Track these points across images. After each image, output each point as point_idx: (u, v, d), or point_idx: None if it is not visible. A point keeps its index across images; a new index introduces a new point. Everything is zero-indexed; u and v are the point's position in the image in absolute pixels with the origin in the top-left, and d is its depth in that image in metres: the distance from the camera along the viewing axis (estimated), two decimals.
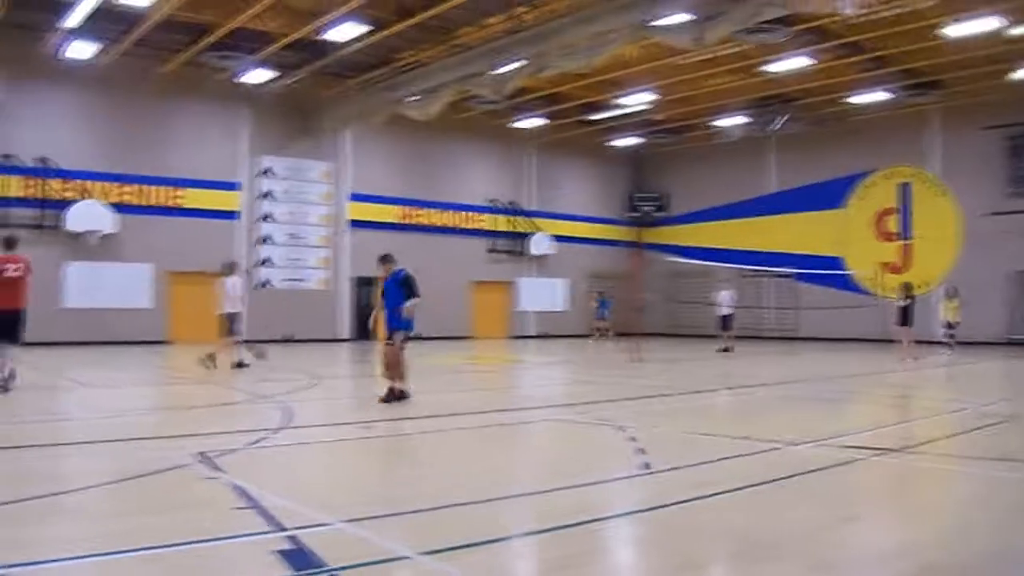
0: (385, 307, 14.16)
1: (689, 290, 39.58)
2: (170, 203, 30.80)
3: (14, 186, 28.05)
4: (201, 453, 8.71)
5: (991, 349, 31.11)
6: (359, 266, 34.58)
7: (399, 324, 13.98)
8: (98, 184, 29.33)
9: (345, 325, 34.54)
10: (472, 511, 6.74)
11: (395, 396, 13.48)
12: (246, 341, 21.15)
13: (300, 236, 33.73)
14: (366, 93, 31.15)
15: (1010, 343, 32.43)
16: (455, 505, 6.85)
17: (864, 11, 21.84)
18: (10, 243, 15.03)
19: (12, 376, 14.66)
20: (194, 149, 31.38)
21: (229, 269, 20.51)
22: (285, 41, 26.70)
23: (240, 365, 19.93)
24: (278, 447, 9.78)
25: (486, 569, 5.31)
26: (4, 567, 5.06)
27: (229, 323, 20.16)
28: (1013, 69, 29.54)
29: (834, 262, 37.85)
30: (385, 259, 14.48)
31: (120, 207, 29.47)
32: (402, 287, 13.94)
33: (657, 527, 6.57)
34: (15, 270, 14.64)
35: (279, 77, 29.78)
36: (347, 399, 16.78)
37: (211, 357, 19.97)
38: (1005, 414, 13.36)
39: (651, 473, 8.29)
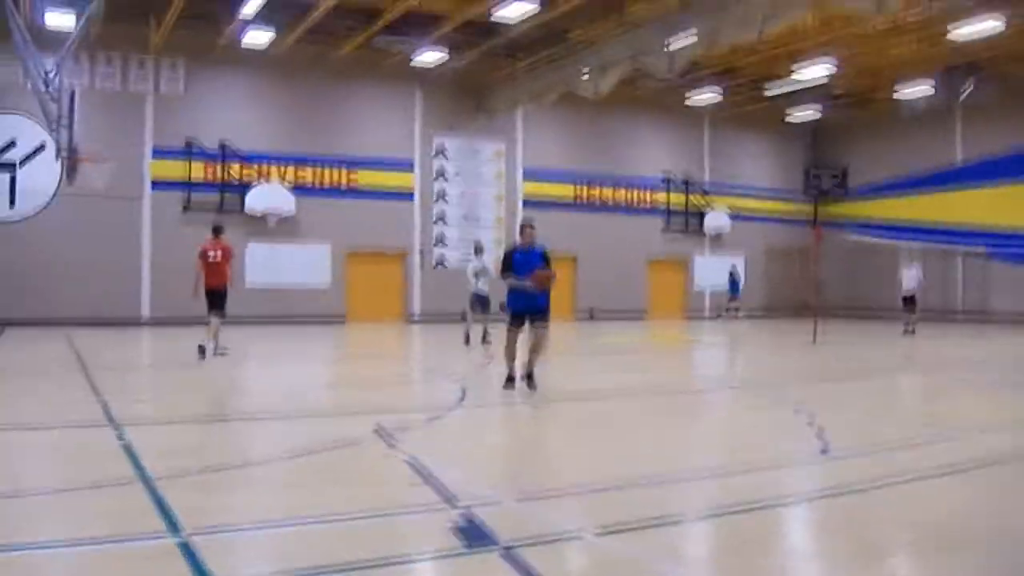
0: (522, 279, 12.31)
1: (870, 267, 38.44)
2: (346, 184, 31.49)
3: (197, 170, 29.25)
4: (379, 429, 8.88)
5: None
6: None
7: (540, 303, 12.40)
8: (276, 167, 30.26)
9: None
10: (647, 491, 6.69)
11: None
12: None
13: (474, 215, 34.07)
14: (537, 72, 31.18)
15: None
16: (630, 485, 6.80)
17: None
18: (217, 231, 17.60)
19: (219, 349, 17.08)
20: (368, 131, 31.98)
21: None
22: (455, 22, 26.92)
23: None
24: (453, 423, 9.91)
25: (660, 549, 5.26)
26: (200, 531, 5.27)
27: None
28: None
29: None
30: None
31: (297, 189, 30.32)
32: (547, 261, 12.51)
33: (833, 513, 6.41)
34: (215, 255, 17.11)
35: (450, 58, 30.05)
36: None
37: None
38: None
39: (830, 458, 8.09)
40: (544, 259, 12.43)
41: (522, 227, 12.92)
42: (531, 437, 9.75)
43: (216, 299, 17.19)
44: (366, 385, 13.99)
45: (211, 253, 17.17)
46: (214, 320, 17.14)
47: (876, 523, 6.02)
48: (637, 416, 10.78)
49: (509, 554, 4.95)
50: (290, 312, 29.62)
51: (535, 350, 12.30)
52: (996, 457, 8.06)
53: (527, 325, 12.27)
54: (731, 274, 36.83)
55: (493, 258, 24.74)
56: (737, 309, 36.23)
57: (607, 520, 5.66)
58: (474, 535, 5.26)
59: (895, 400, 13.28)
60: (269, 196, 29.51)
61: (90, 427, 9.20)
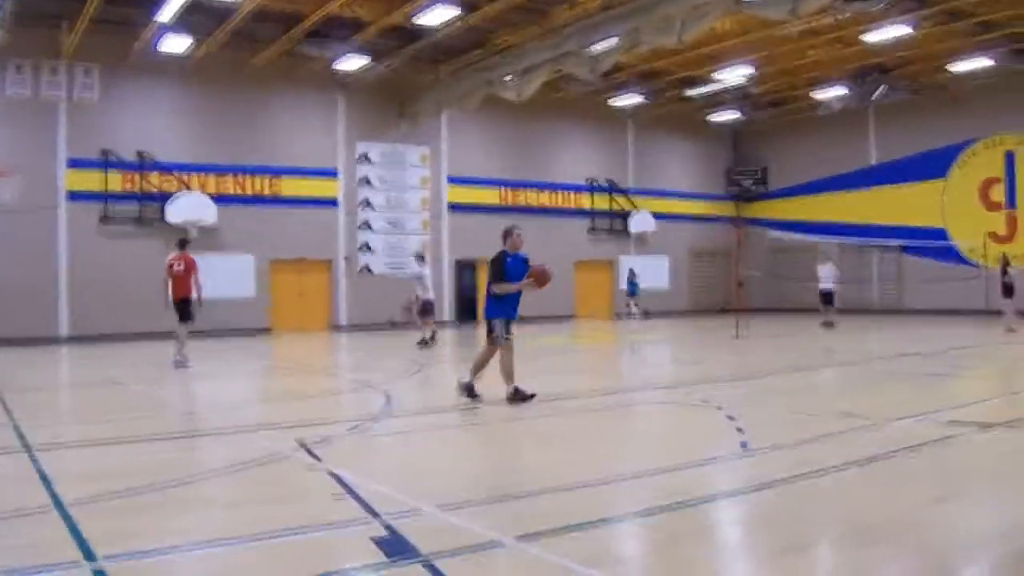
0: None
1: (791, 265, 39.08)
2: (268, 192, 31.18)
3: (114, 181, 28.50)
4: (302, 442, 8.86)
5: None
6: (459, 249, 34.80)
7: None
8: (196, 176, 29.76)
9: (446, 309, 34.66)
10: (571, 495, 6.75)
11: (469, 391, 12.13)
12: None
13: (399, 221, 33.97)
14: (460, 76, 31.23)
15: None
16: (554, 490, 6.86)
17: None
18: (181, 244, 18.96)
19: (180, 360, 17.96)
20: (291, 138, 31.73)
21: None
22: (377, 27, 26.86)
23: None
24: (377, 435, 9.91)
25: (583, 552, 5.30)
26: (116, 557, 5.22)
27: None
28: None
29: (938, 233, 37.03)
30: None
31: (219, 198, 29.82)
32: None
33: (756, 509, 6.54)
34: (178, 266, 18.24)
35: (373, 63, 29.96)
36: (448, 385, 16.85)
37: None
38: None
39: (749, 453, 8.24)
40: (527, 264, 12.33)
41: (511, 232, 12.64)
42: (455, 445, 9.77)
43: (182, 309, 18.24)
44: (290, 398, 13.90)
45: (175, 265, 18.25)
46: (180, 329, 18.24)
47: (796, 517, 6.15)
48: (563, 420, 10.85)
49: (431, 565, 4.99)
50: (213, 324, 29.24)
51: (505, 370, 12.04)
52: (910, 447, 8.25)
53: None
54: (630, 276, 37.24)
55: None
56: (637, 305, 36.59)
57: (531, 526, 5.70)
58: (396, 547, 5.29)
59: (814, 394, 13.50)
60: (189, 206, 28.96)
61: (1, 454, 9.01)
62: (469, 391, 12.02)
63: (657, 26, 24.50)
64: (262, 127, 31.07)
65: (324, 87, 31.75)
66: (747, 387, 13.84)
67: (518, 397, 11.65)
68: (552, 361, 20.02)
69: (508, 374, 11.89)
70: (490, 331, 12.10)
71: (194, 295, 18.34)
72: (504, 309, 12.07)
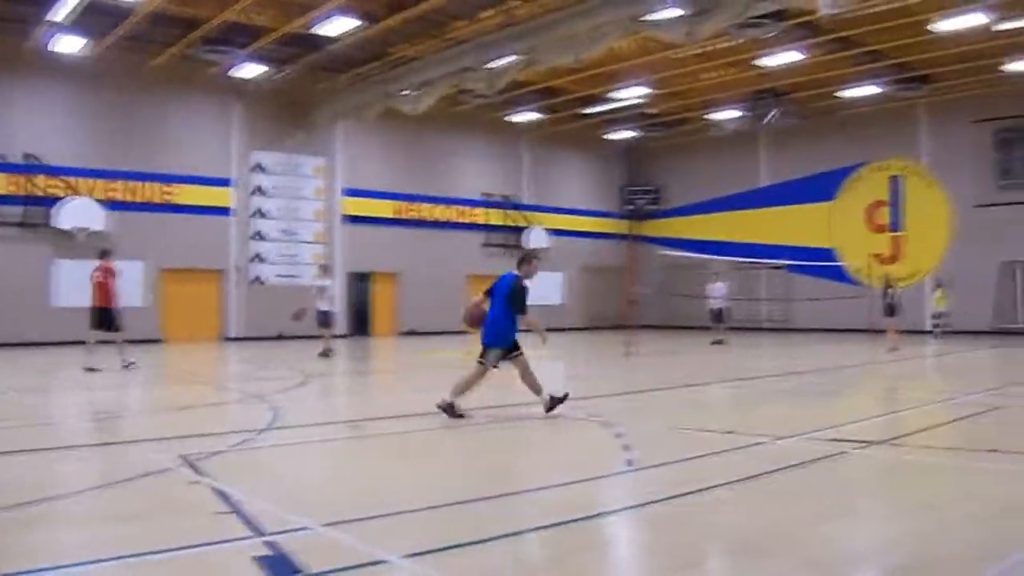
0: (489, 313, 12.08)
1: (684, 282, 39.58)
2: (161, 200, 30.59)
3: (0, 183, 27.73)
4: (185, 456, 8.70)
5: (980, 338, 31.29)
6: (354, 261, 34.56)
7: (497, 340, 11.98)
8: (87, 181, 29.01)
9: (340, 321, 34.22)
10: (458, 511, 6.74)
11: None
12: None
13: (293, 232, 33.59)
14: (359, 87, 31.10)
15: (997, 332, 32.65)
16: (441, 506, 6.83)
17: (853, 7, 21.72)
18: (102, 254, 19.67)
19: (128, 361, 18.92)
20: (185, 145, 31.22)
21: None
22: (276, 35, 26.64)
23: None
24: (263, 448, 9.78)
25: (470, 571, 5.29)
26: None
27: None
28: (1002, 63, 29.66)
29: (826, 254, 38.03)
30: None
31: (110, 204, 29.16)
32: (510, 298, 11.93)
33: (645, 526, 6.59)
34: (98, 276, 18.93)
35: (271, 71, 29.69)
36: (338, 398, 16.72)
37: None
38: (989, 404, 13.42)
39: (636, 470, 8.33)
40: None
41: (529, 258, 12.44)
42: (344, 460, 9.68)
43: (102, 318, 18.90)
44: (174, 410, 13.61)
45: (95, 274, 19.05)
46: (94, 335, 19.00)
47: (685, 534, 6.19)
48: (452, 434, 10.81)
49: None
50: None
51: (529, 382, 12.06)
52: (795, 464, 8.41)
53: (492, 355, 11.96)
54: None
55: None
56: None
57: (419, 543, 5.67)
58: (279, 566, 5.21)
59: (701, 410, 13.63)
60: (78, 211, 28.26)
61: None
62: (450, 410, 11.57)
63: (555, 45, 24.74)
64: (156, 132, 30.53)
65: (220, 94, 31.37)
66: (636, 403, 13.99)
67: (456, 413, 11.52)
68: (446, 375, 19.94)
69: (462, 390, 11.78)
70: (483, 355, 11.89)
71: (115, 304, 18.91)
72: (507, 339, 11.92)
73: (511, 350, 11.89)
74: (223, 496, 7.04)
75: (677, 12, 22.33)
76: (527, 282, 12.00)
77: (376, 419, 11.76)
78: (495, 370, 12.05)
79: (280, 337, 30.78)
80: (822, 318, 36.85)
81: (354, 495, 7.54)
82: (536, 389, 11.91)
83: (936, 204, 35.56)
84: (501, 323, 11.87)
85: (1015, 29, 26.14)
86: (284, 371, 19.54)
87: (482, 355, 11.92)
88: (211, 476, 7.85)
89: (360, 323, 35.10)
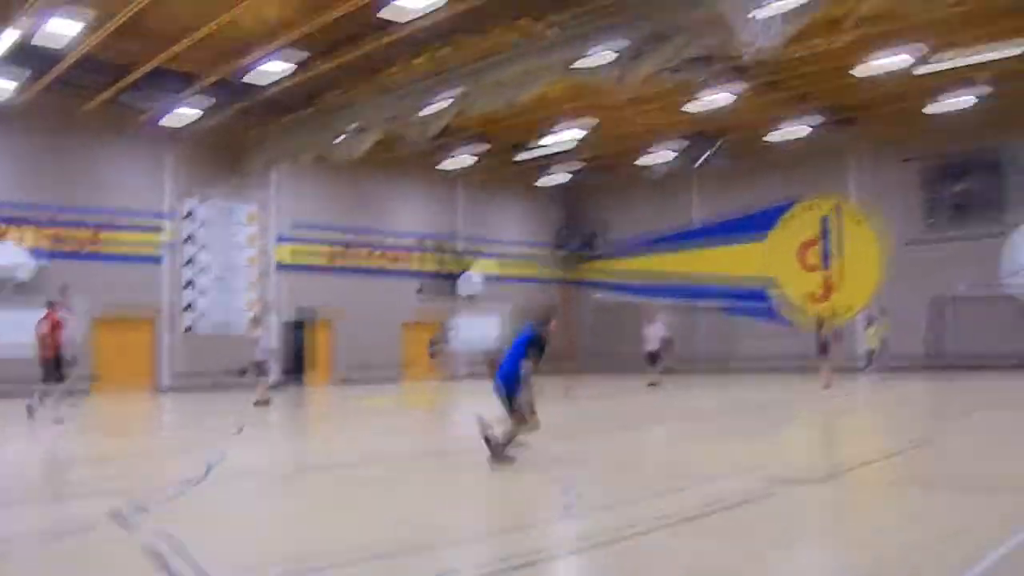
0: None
1: (619, 324, 39.75)
2: (91, 246, 30.13)
3: None
4: (114, 509, 8.49)
5: (912, 373, 31.74)
6: (288, 309, 34.18)
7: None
8: (14, 228, 28.51)
9: (275, 368, 33.81)
10: (394, 563, 6.62)
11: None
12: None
13: (227, 279, 33.22)
14: (293, 133, 30.96)
15: (929, 367, 33.19)
16: (376, 556, 6.72)
17: (779, 52, 22.10)
18: (49, 304, 19.18)
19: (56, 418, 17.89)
20: (116, 189, 30.75)
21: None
22: (208, 80, 26.50)
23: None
24: (196, 500, 9.60)
25: None
26: None
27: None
28: (925, 104, 30.33)
29: (760, 292, 38.45)
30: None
31: (37, 250, 28.64)
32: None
33: (582, 572, 6.55)
34: (42, 327, 18.59)
35: (203, 117, 29.42)
36: (274, 448, 16.51)
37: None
38: (922, 438, 13.60)
39: (577, 513, 8.29)
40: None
41: (551, 316, 12.33)
42: (279, 511, 9.48)
43: (47, 368, 18.49)
44: (105, 461, 13.37)
45: (39, 325, 18.66)
46: (44, 387, 18.51)
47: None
48: (388, 482, 10.70)
49: None
50: (30, 383, 27.95)
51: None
52: (734, 503, 8.44)
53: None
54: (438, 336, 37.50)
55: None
56: (443, 367, 36.75)
57: None
58: None
59: (638, 452, 13.65)
60: (5, 258, 27.78)
61: None
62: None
63: (488, 90, 24.89)
64: (87, 176, 30.08)
65: (152, 139, 30.98)
66: (574, 446, 13.97)
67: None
68: (379, 423, 19.87)
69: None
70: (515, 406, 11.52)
71: (63, 353, 18.51)
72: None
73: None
74: (153, 551, 6.87)
75: (609, 57, 22.60)
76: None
77: (311, 468, 11.61)
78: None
79: (215, 387, 30.37)
80: (759, 355, 37.16)
81: (290, 547, 7.40)
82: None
83: (866, 242, 36.19)
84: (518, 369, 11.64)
85: (936, 72, 26.77)
86: (219, 421, 19.28)
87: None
88: (141, 530, 7.67)
89: (296, 371, 34.67)
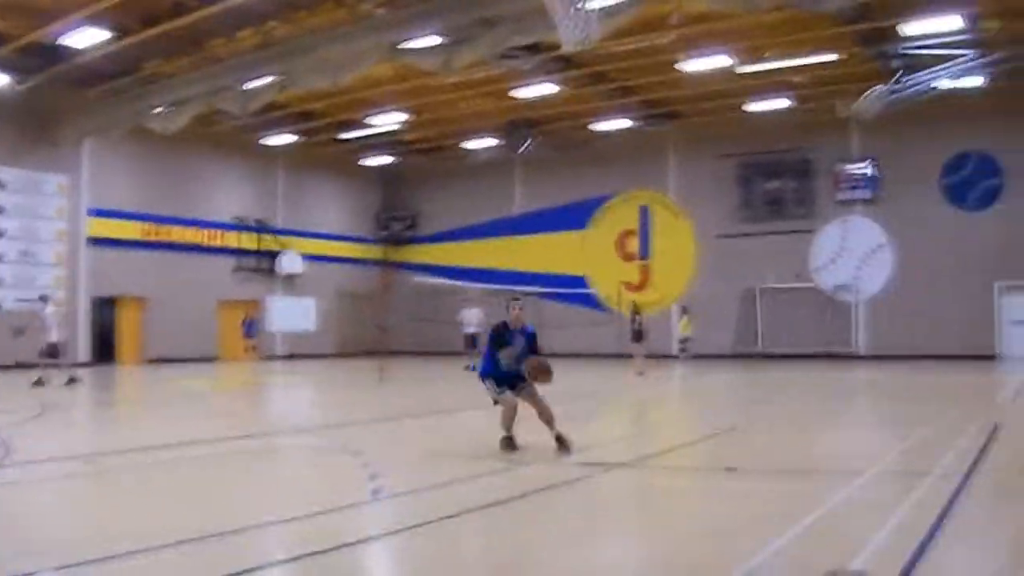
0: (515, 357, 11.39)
1: (437, 309, 39.84)
2: None
3: None
4: None
5: (722, 362, 32.84)
6: (98, 285, 33.02)
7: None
8: None
9: (83, 348, 32.69)
10: (200, 547, 6.47)
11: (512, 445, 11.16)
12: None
13: (33, 253, 31.71)
14: (109, 103, 29.82)
15: (738, 356, 34.52)
16: (183, 542, 6.54)
17: (605, 44, 22.47)
18: None
19: None
20: None
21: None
22: (19, 43, 25.26)
23: None
24: None
25: None
26: None
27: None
28: (744, 102, 31.42)
29: (578, 281, 39.19)
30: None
31: None
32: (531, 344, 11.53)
33: (388, 555, 6.57)
34: None
35: (13, 82, 28.09)
36: (76, 431, 15.95)
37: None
38: (729, 425, 14.07)
39: (383, 499, 8.29)
40: (531, 342, 11.46)
41: (510, 305, 11.78)
42: (81, 497, 9.13)
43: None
44: None
45: None
46: None
47: (429, 561, 6.22)
48: (195, 467, 10.45)
49: None
50: None
51: (544, 418, 11.19)
52: (540, 486, 8.58)
53: (511, 393, 11.24)
54: (250, 319, 37.07)
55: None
56: (255, 348, 36.39)
57: None
58: None
59: (452, 436, 13.62)
60: None
61: None
62: (509, 444, 11.08)
63: (313, 68, 24.58)
64: None
65: None
66: (388, 430, 13.98)
67: (510, 445, 11.08)
68: (190, 405, 19.47)
69: (507, 422, 11.22)
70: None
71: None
72: (497, 369, 11.39)
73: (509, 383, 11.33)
74: None
75: (435, 41, 22.62)
76: (527, 326, 11.69)
77: (116, 452, 11.30)
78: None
79: (19, 365, 29.04)
80: (574, 344, 37.69)
81: (92, 534, 7.16)
82: (510, 422, 11.28)
83: (682, 234, 37.30)
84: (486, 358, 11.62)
85: (756, 72, 27.75)
86: (17, 402, 18.46)
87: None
88: None
89: (105, 350, 33.56)
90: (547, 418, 11.15)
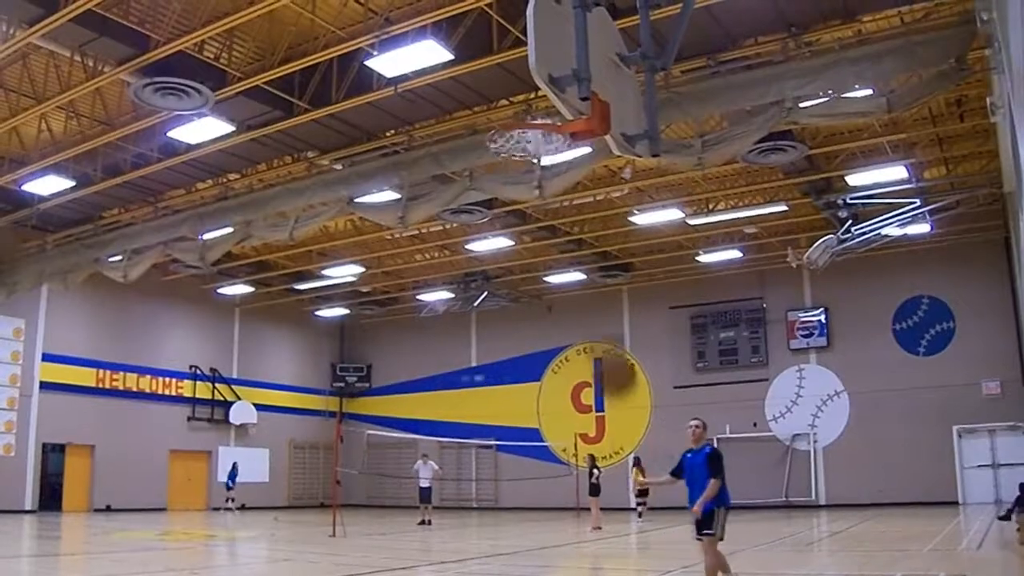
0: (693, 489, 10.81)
1: (391, 461, 39.58)
2: None
3: None
4: None
5: (681, 514, 32.52)
6: (48, 431, 32.51)
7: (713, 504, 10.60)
8: None
9: (29, 495, 32.00)
10: None
11: None
12: None
13: None
14: (68, 249, 29.78)
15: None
16: None
17: (558, 198, 23.01)
18: None
19: None
20: None
21: None
22: None
23: None
24: None
25: None
26: None
27: None
28: (697, 253, 32.04)
29: (533, 433, 39.14)
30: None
31: None
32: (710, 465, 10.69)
33: None
34: None
35: None
36: None
37: None
38: None
39: None
40: (709, 462, 10.63)
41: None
42: None
43: None
44: None
45: None
46: None
47: None
48: None
49: None
50: None
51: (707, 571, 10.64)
52: None
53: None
54: (232, 468, 36.51)
55: None
56: (232, 500, 35.77)
57: None
58: None
59: None
60: None
61: None
62: None
63: (270, 221, 24.91)
64: None
65: None
66: None
67: None
68: (133, 559, 19.04)
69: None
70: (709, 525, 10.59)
71: None
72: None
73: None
74: None
75: (391, 196, 23.03)
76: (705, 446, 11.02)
77: None
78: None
79: None
80: (530, 497, 37.50)
81: None
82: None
83: (637, 385, 37.46)
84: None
85: (707, 223, 28.38)
86: None
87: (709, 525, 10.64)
88: None
89: (52, 498, 32.86)
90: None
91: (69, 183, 24.62)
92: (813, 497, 33.74)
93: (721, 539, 10.51)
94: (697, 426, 11.01)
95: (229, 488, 36.32)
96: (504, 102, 20.75)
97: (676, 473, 11.13)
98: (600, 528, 25.70)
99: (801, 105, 17.60)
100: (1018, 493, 19.42)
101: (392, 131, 22.33)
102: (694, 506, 10.54)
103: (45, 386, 32.91)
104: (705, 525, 10.50)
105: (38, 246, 30.47)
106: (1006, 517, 20.04)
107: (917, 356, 33.08)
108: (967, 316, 32.28)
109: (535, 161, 19.72)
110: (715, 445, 11.14)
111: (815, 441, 34.29)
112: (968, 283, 32.20)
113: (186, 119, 20.18)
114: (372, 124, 21.89)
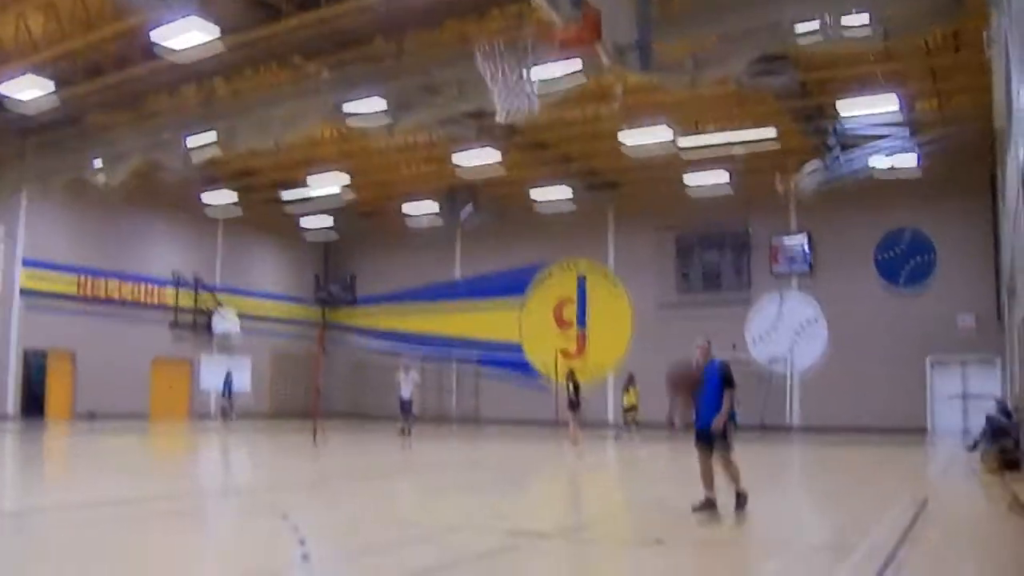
0: (702, 402, 11.59)
1: (373, 372, 39.65)
2: None
3: None
4: None
5: (659, 431, 32.66)
6: (30, 337, 32.43)
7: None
8: None
9: (11, 401, 32.05)
10: None
11: (743, 501, 11.20)
12: None
13: None
14: (48, 153, 29.44)
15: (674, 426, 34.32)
16: None
17: (546, 115, 22.71)
18: None
19: None
20: None
21: None
22: None
23: None
24: None
25: None
26: None
27: None
28: (683, 176, 31.73)
29: (515, 348, 39.16)
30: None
31: None
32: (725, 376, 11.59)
33: None
34: None
35: None
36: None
37: None
38: (658, 497, 14.02)
39: (310, 565, 8.11)
40: (723, 374, 11.58)
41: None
42: None
43: None
44: None
45: None
46: None
47: None
48: (123, 531, 10.13)
49: None
50: None
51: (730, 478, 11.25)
52: (472, 557, 8.48)
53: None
54: (227, 376, 36.17)
55: None
56: (229, 408, 35.61)
57: None
58: None
59: (382, 502, 13.46)
60: None
61: None
62: (712, 505, 11.05)
63: (255, 127, 24.57)
64: None
65: None
66: (317, 494, 13.79)
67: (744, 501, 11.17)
68: (120, 463, 19.09)
69: (704, 480, 11.31)
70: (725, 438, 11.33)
71: None
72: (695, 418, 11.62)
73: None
74: None
75: (378, 104, 22.72)
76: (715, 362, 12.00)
77: (37, 511, 11.03)
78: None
79: None
80: (510, 410, 37.72)
81: None
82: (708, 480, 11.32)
83: (619, 304, 37.49)
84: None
85: (695, 146, 28.08)
86: None
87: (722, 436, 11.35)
88: None
89: (33, 405, 32.71)
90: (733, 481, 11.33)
91: (49, 85, 24.15)
92: (788, 421, 34.02)
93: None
94: (704, 344, 12.01)
95: (225, 397, 35.78)
96: (495, 11, 20.43)
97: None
98: (579, 443, 25.68)
99: (797, 29, 17.39)
100: (984, 425, 19.69)
101: (381, 38, 21.99)
102: (712, 423, 11.19)
103: (26, 292, 32.70)
104: (721, 438, 11.23)
105: (18, 150, 30.01)
106: (973, 447, 20.25)
107: (896, 287, 33.17)
108: (948, 251, 32.31)
109: (524, 74, 19.44)
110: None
111: (792, 366, 34.50)
112: (952, 218, 32.15)
113: (169, 19, 19.74)
114: (360, 30, 21.52)
